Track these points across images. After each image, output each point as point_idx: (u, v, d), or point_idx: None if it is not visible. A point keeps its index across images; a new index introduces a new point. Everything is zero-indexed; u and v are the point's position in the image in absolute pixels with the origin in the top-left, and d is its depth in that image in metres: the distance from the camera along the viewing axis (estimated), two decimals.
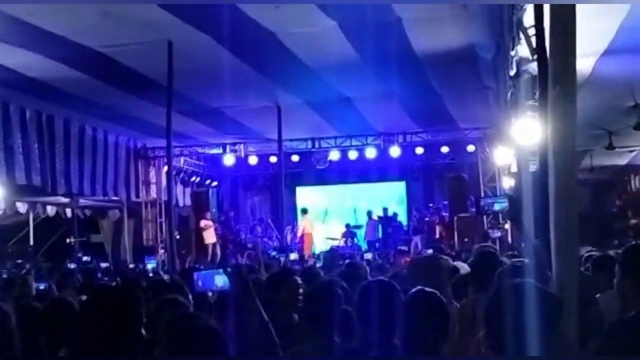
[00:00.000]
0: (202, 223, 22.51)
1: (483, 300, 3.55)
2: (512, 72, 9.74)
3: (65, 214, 21.82)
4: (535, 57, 6.97)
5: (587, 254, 7.49)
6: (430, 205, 24.77)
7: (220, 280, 4.81)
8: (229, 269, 4.54)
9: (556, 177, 3.55)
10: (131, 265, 18.93)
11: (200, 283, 4.97)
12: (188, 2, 10.74)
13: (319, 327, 4.43)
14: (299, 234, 24.54)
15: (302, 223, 25.12)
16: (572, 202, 3.37)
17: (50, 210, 21.33)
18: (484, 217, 20.21)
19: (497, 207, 12.56)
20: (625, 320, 3.32)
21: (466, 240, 19.13)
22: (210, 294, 5.31)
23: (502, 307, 2.90)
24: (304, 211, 25.69)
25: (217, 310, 5.14)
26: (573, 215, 3.39)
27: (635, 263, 3.63)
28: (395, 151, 22.75)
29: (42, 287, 9.39)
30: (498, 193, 20.64)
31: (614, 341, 3.19)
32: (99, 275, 14.15)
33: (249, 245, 22.97)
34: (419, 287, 4.15)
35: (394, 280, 4.46)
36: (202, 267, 12.00)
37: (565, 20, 3.78)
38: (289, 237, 23.36)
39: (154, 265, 17.83)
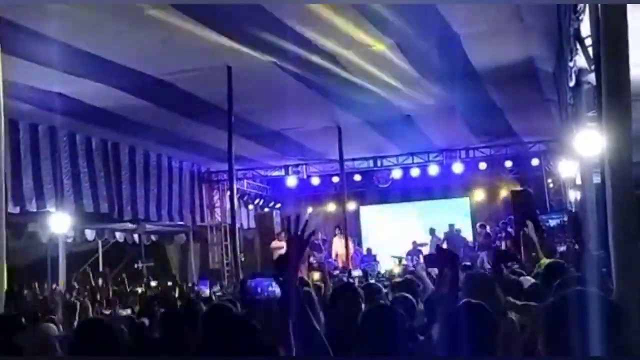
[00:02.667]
0: (274, 244, 22.56)
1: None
2: (572, 83, 9.61)
3: (132, 239, 22.14)
4: (593, 67, 6.88)
5: None
6: (503, 221, 24.39)
7: (272, 288, 4.83)
8: (280, 278, 4.55)
9: (613, 189, 3.49)
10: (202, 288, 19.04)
11: (252, 290, 5.01)
12: (243, 26, 10.89)
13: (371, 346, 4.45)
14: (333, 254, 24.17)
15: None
16: (630, 215, 3.30)
17: (119, 236, 21.66)
18: (552, 232, 19.89)
19: (552, 222, 12.41)
20: None
21: (533, 254, 18.80)
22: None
23: (562, 314, 2.87)
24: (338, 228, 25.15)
25: (266, 315, 5.21)
26: (631, 228, 3.32)
27: None
28: (458, 167, 22.62)
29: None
30: (567, 206, 20.29)
31: None
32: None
33: (314, 265, 22.92)
34: (465, 299, 4.18)
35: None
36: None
37: (616, 27, 3.73)
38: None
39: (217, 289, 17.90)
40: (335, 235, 23.96)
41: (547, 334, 2.90)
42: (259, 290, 5.17)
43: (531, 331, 4.51)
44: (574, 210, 14.77)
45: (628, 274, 3.29)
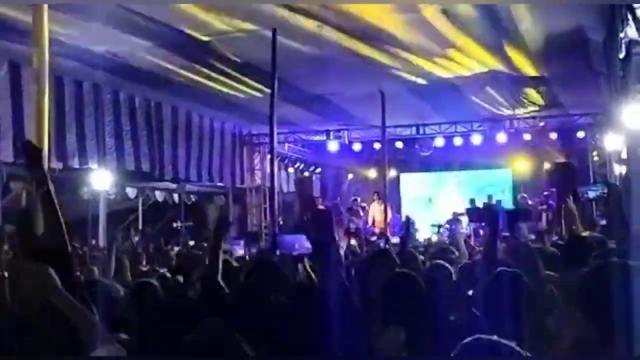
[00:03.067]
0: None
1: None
2: (622, 55, 9.41)
3: (172, 199, 22.31)
4: None
5: None
6: (545, 194, 24.12)
7: (303, 244, 4.91)
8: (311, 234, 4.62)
9: None
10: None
11: (284, 245, 5.09)
12: None
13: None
14: (370, 220, 24.11)
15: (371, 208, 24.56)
16: None
17: (159, 196, 21.83)
18: (593, 204, 19.67)
19: (591, 194, 12.21)
20: None
21: (574, 227, 18.60)
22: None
23: (597, 284, 2.85)
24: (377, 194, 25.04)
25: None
26: None
27: None
28: (501, 137, 22.37)
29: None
30: (612, 180, 20.03)
31: None
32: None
33: (352, 230, 22.94)
34: (501, 267, 4.19)
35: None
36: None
37: None
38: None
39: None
40: (373, 201, 23.92)
41: (582, 304, 2.91)
42: (295, 245, 5.23)
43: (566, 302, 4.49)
44: (616, 182, 14.54)
45: None
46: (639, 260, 3.60)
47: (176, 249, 17.37)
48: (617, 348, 2.70)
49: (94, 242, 17.31)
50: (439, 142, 23.46)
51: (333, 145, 24.05)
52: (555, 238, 14.02)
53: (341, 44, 13.33)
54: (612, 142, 17.61)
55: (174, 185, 20.93)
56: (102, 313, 3.15)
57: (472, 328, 2.90)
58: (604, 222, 16.07)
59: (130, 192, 20.48)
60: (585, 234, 6.94)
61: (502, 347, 2.29)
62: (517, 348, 2.29)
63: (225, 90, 16.87)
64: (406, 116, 21.27)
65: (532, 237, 14.56)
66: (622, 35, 8.87)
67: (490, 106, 20.25)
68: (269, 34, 12.49)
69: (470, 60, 14.89)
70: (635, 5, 7.45)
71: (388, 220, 20.65)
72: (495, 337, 2.34)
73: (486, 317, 4.02)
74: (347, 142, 24.00)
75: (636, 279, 2.75)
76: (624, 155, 14.76)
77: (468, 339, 2.38)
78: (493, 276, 4.32)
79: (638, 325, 2.62)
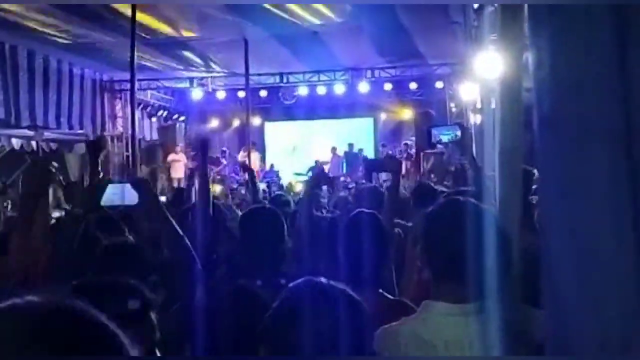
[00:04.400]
0: (170, 157, 22.44)
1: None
2: (476, 5, 9.72)
3: (30, 147, 21.57)
4: None
5: None
6: (406, 142, 24.70)
7: (130, 194, 4.61)
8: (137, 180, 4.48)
9: (502, 112, 3.55)
10: None
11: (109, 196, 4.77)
12: None
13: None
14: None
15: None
16: (514, 139, 3.38)
17: (15, 143, 21.07)
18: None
19: (444, 138, 12.58)
20: None
21: (432, 175, 19.21)
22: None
23: (441, 221, 2.91)
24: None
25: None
26: (516, 152, 3.40)
27: None
28: (363, 87, 22.73)
29: None
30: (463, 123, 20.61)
31: None
32: None
33: (217, 178, 22.89)
34: (358, 209, 4.26)
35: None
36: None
37: None
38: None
39: None
40: (249, 150, 23.81)
41: (425, 241, 2.93)
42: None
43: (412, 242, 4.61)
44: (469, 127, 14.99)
45: (508, 190, 3.37)
46: (490, 200, 3.78)
47: None
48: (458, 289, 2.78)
49: None
50: (303, 90, 23.67)
51: (197, 93, 23.86)
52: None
53: None
54: (468, 92, 18.13)
55: (31, 133, 20.22)
56: None
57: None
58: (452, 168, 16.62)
59: None
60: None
61: (332, 290, 2.26)
62: (349, 291, 2.26)
63: (84, 34, 16.35)
64: (270, 65, 21.22)
65: (388, 182, 14.85)
66: None
67: (353, 56, 20.48)
68: None
69: (332, 9, 14.97)
70: None
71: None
72: (323, 279, 2.31)
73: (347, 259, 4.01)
74: (210, 90, 23.84)
75: (479, 217, 2.80)
76: (479, 105, 15.25)
77: (298, 281, 2.35)
78: (351, 218, 4.35)
79: (478, 264, 2.68)
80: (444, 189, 7.74)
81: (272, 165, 25.31)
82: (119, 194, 4.60)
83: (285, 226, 4.59)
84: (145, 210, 4.45)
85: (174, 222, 4.06)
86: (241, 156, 24.05)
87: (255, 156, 23.51)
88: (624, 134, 1.34)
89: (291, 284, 2.33)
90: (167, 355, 2.80)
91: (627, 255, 1.35)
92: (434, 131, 8.08)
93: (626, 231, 1.35)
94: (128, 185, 4.44)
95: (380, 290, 3.83)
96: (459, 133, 6.97)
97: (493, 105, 10.16)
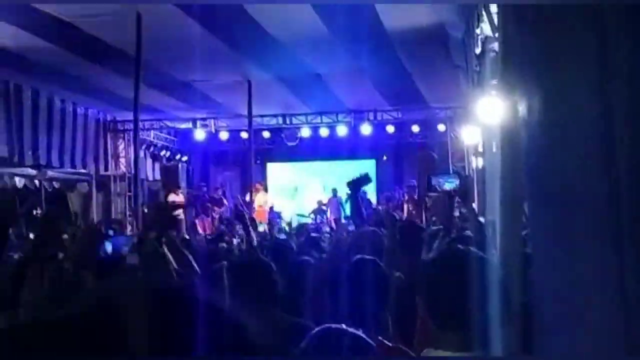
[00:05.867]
0: (170, 197, 22.42)
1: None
2: (478, 51, 9.78)
3: (34, 185, 21.60)
4: (497, 34, 7.02)
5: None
6: (407, 185, 24.68)
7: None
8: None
9: (503, 157, 3.56)
10: None
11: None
12: None
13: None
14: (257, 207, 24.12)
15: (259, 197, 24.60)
16: (515, 183, 3.38)
17: (18, 182, 21.09)
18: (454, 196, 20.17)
19: (447, 185, 12.64)
20: None
21: (434, 219, 19.15)
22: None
23: (443, 271, 2.91)
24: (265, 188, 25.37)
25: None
26: (516, 195, 3.39)
27: None
28: (366, 129, 22.79)
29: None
30: (467, 173, 20.65)
31: None
32: None
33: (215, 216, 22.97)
34: (359, 255, 4.25)
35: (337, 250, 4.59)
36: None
37: None
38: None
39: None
40: (258, 190, 23.78)
41: (427, 290, 2.93)
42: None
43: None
44: (469, 175, 15.01)
45: (510, 241, 3.36)
46: (491, 249, 3.78)
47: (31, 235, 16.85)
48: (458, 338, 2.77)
49: None
50: (305, 132, 23.72)
51: (200, 134, 23.91)
52: None
53: (207, 30, 13.24)
54: (470, 135, 18.15)
55: (34, 172, 20.26)
56: None
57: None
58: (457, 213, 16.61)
59: None
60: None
61: (349, 336, 2.31)
62: (363, 336, 2.32)
63: (89, 74, 16.46)
64: (273, 106, 21.35)
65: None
66: (478, 31, 9.21)
67: (355, 98, 20.58)
68: (134, 17, 12.32)
69: (334, 51, 15.05)
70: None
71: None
72: (343, 326, 2.36)
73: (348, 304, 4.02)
74: (214, 130, 23.92)
75: (480, 267, 2.81)
76: (481, 149, 15.28)
77: (317, 329, 2.40)
78: (352, 264, 4.35)
79: (479, 314, 2.68)
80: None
81: (271, 207, 25.27)
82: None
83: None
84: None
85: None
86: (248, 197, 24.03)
87: (262, 196, 23.53)
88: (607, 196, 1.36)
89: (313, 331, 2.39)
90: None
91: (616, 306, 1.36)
92: (434, 180, 8.11)
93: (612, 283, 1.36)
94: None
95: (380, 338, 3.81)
96: (457, 182, 7.00)
97: (494, 149, 10.20)
